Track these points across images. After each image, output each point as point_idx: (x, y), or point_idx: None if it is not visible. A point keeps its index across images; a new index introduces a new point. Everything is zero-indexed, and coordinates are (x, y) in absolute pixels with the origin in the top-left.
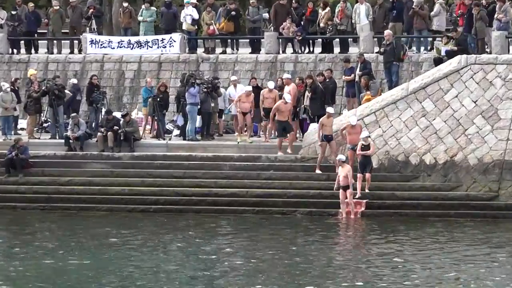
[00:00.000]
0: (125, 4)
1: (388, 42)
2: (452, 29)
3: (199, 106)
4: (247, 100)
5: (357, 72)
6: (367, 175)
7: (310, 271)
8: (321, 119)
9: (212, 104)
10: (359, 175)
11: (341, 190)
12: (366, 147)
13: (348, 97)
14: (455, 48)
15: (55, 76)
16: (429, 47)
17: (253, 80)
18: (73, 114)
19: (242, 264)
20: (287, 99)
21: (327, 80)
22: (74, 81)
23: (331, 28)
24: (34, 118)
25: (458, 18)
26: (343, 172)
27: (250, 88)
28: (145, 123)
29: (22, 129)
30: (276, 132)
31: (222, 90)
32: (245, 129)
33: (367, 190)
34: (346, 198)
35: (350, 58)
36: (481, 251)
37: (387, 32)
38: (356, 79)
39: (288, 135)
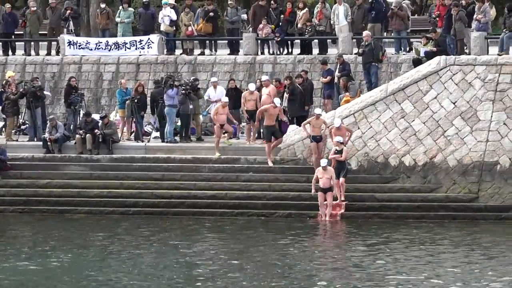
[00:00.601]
0: (103, 5)
1: (366, 43)
2: (431, 29)
3: (177, 108)
4: (223, 111)
5: (336, 73)
6: (341, 180)
7: (290, 273)
8: (309, 119)
9: (191, 106)
10: (335, 181)
11: (320, 193)
12: (339, 152)
13: (325, 99)
14: (434, 49)
15: (33, 78)
16: (407, 48)
17: (231, 82)
18: (50, 117)
19: (221, 266)
20: (276, 103)
21: (305, 81)
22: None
23: (309, 29)
24: (12, 120)
25: (437, 19)
26: (327, 174)
27: (226, 99)
28: (122, 125)
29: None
30: (264, 136)
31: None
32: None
33: (342, 198)
34: (325, 200)
35: (328, 60)
36: (460, 252)
37: (365, 33)
38: (335, 81)
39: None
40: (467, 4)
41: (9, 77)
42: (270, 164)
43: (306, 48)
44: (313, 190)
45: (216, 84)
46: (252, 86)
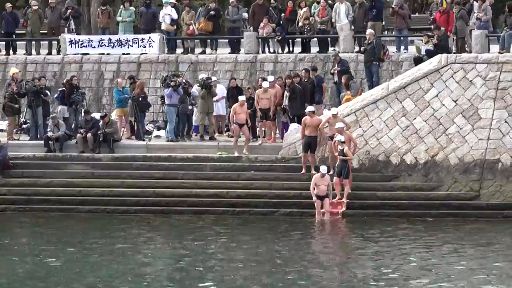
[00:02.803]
0: (103, 7)
1: (369, 41)
2: (434, 27)
3: (177, 107)
4: (242, 110)
5: (335, 67)
6: (345, 181)
7: (289, 271)
8: (325, 119)
9: (190, 107)
10: (335, 178)
11: (318, 200)
12: (342, 153)
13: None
14: (436, 41)
15: (38, 77)
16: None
17: (232, 81)
18: (53, 115)
19: (221, 264)
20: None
21: (305, 80)
22: None
23: (308, 28)
24: (13, 119)
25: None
26: (325, 182)
27: (243, 98)
28: (120, 124)
29: (1, 130)
30: (301, 147)
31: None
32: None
33: (345, 200)
34: (322, 207)
35: (329, 58)
36: (462, 250)
37: (369, 31)
38: (335, 79)
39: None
40: (464, 2)
41: (13, 73)
42: (304, 171)
43: (307, 47)
44: (314, 198)
45: (216, 82)
46: (266, 84)
